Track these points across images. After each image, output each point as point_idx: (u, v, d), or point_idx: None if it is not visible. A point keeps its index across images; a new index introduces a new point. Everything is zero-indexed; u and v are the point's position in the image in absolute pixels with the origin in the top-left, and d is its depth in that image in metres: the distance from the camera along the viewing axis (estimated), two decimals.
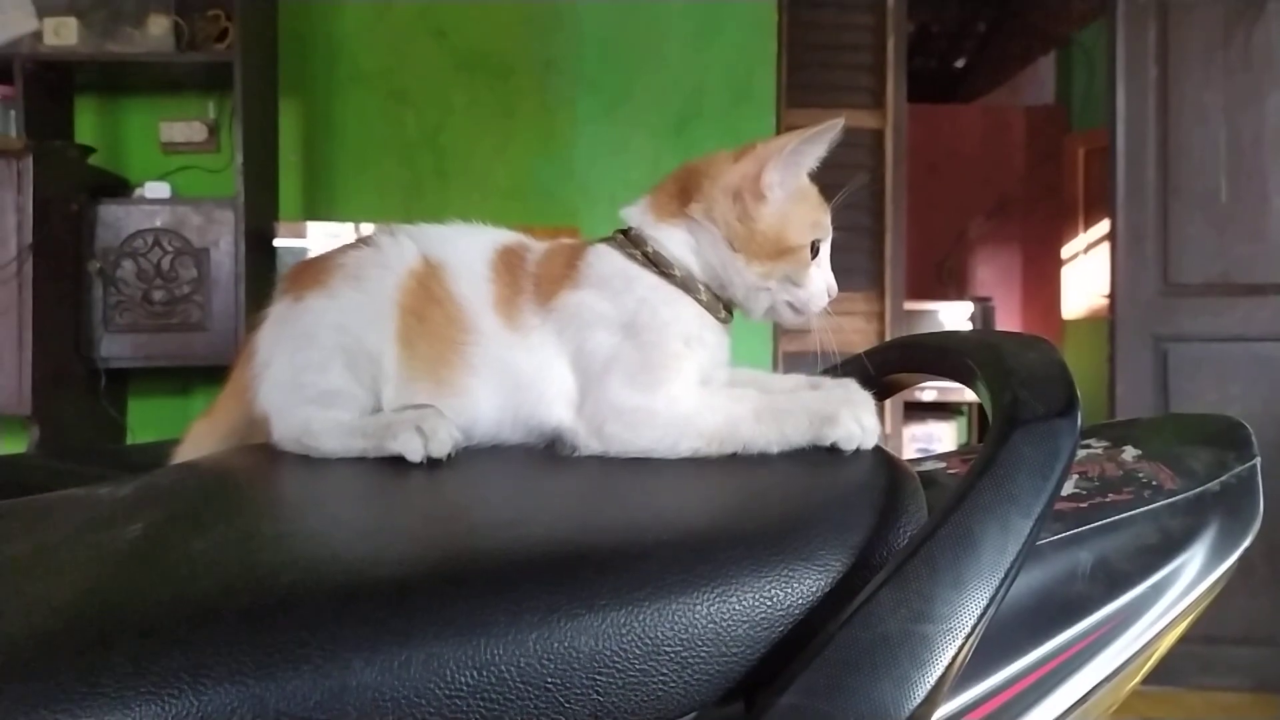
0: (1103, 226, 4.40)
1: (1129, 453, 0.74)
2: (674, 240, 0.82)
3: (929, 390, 4.02)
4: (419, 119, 3.09)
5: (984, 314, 4.38)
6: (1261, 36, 2.81)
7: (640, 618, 0.48)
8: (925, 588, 0.49)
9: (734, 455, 0.73)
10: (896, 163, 3.32)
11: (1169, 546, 0.66)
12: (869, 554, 0.54)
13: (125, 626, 0.45)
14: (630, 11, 3.14)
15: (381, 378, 0.80)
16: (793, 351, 2.99)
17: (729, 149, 0.85)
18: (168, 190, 2.77)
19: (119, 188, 2.84)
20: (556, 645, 0.46)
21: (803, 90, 3.26)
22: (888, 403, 0.94)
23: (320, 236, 2.66)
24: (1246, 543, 0.70)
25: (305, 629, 0.45)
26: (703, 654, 0.49)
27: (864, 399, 0.74)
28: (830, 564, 0.53)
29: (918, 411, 4.20)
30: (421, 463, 0.72)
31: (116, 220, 2.66)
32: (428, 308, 0.81)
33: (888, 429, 3.26)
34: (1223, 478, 0.71)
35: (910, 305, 3.65)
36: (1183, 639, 0.70)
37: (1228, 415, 0.79)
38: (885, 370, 0.84)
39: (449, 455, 0.73)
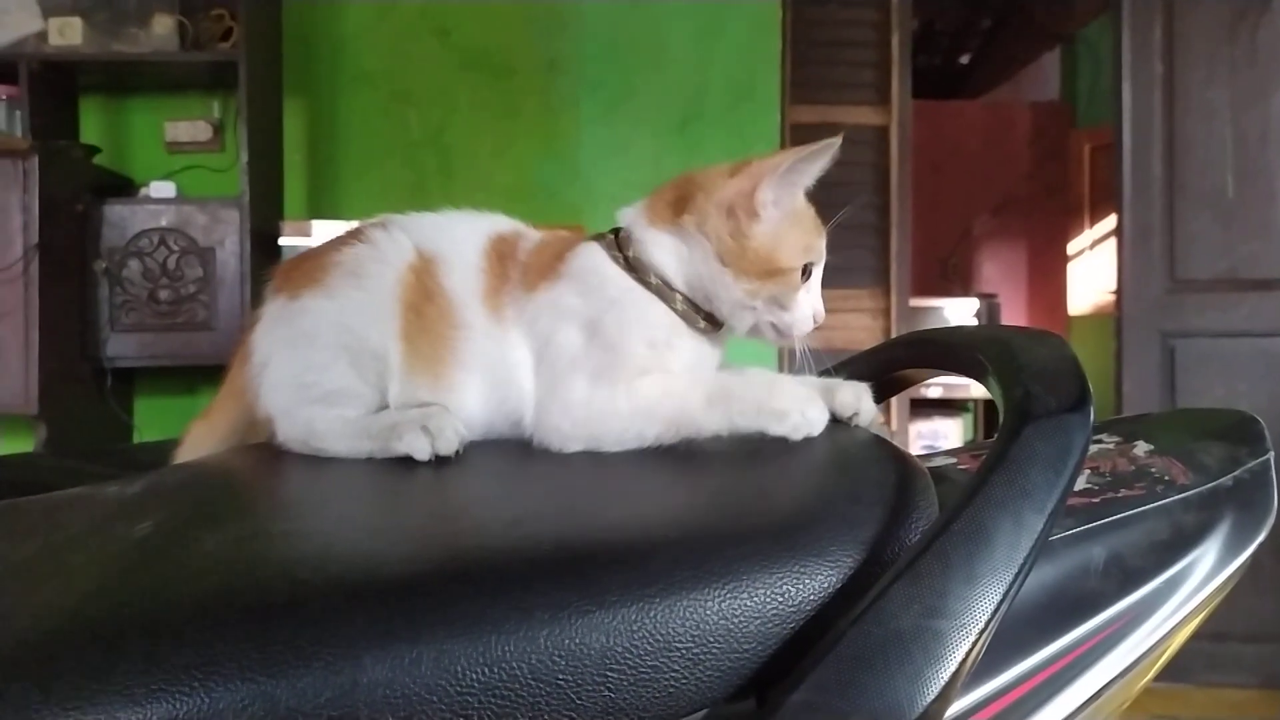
0: (1108, 223, 4.39)
1: (1141, 448, 0.73)
2: (661, 246, 0.81)
3: (935, 387, 4.01)
4: (422, 119, 3.09)
5: (989, 310, 4.38)
6: (1268, 32, 2.80)
7: (651, 614, 0.48)
8: (938, 583, 0.48)
9: (741, 449, 0.73)
10: (901, 160, 3.31)
11: (1182, 542, 0.66)
12: (880, 550, 0.54)
13: (135, 624, 0.45)
14: (633, 11, 3.14)
15: (387, 375, 0.80)
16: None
17: (727, 161, 0.84)
18: (173, 190, 2.77)
19: (124, 187, 2.84)
20: (567, 642, 0.46)
21: (807, 88, 3.26)
22: (894, 399, 0.94)
23: (325, 235, 2.65)
24: (1260, 538, 0.69)
25: (316, 626, 0.44)
26: (714, 650, 0.49)
27: (812, 398, 0.74)
28: (842, 560, 0.52)
29: (923, 408, 4.19)
30: (429, 461, 0.72)
31: (122, 220, 2.67)
32: (424, 303, 0.80)
33: (894, 425, 3.26)
34: (1236, 473, 0.70)
35: (915, 302, 3.65)
36: (1192, 636, 0.70)
37: (1240, 410, 0.79)
38: (894, 366, 0.84)
39: (456, 453, 0.73)
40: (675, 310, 0.81)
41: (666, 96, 3.14)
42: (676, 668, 0.48)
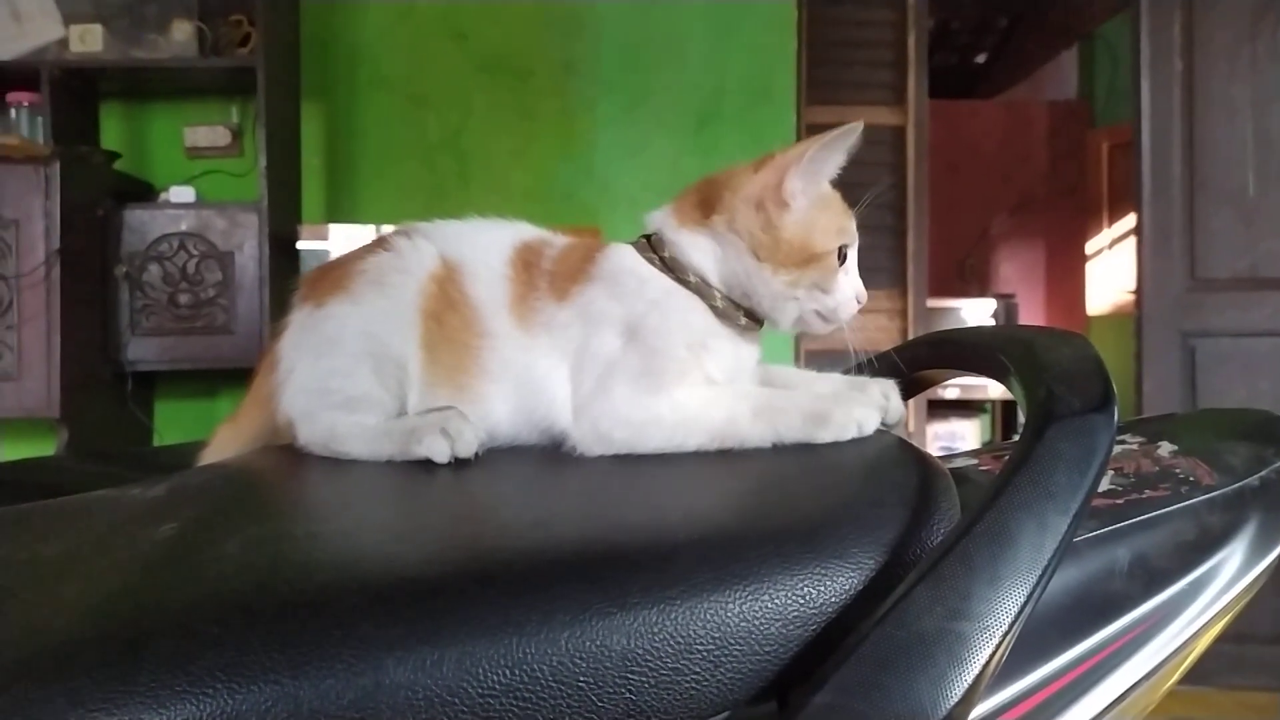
0: (1127, 222, 4.36)
1: (1165, 448, 0.73)
2: (696, 247, 0.82)
3: (952, 388, 3.99)
4: (440, 122, 3.10)
5: (1007, 311, 4.35)
6: None
7: (672, 616, 0.48)
8: (961, 585, 0.48)
9: (761, 451, 0.73)
10: (918, 160, 3.30)
11: (1208, 543, 0.65)
12: (902, 551, 0.53)
13: (160, 625, 0.45)
14: (649, 12, 3.14)
15: (407, 383, 0.81)
16: (815, 349, 2.97)
17: (748, 160, 0.84)
18: (192, 194, 2.79)
19: (144, 192, 2.86)
20: (589, 644, 0.46)
21: (823, 88, 3.25)
22: (911, 401, 0.94)
23: (343, 239, 2.67)
24: None
25: (339, 628, 0.45)
26: (735, 653, 0.49)
27: (856, 397, 0.74)
28: (863, 562, 0.52)
29: (941, 409, 4.17)
30: (448, 463, 0.72)
31: (142, 225, 2.69)
32: (446, 312, 0.81)
33: (911, 427, 3.24)
34: (1262, 473, 0.69)
35: (933, 303, 3.63)
36: (1217, 638, 0.69)
37: (1265, 410, 0.78)
38: (915, 366, 0.84)
39: (476, 455, 0.74)
40: (715, 308, 0.81)
41: (683, 97, 3.14)
42: (698, 670, 0.48)
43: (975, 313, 4.23)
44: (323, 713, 0.42)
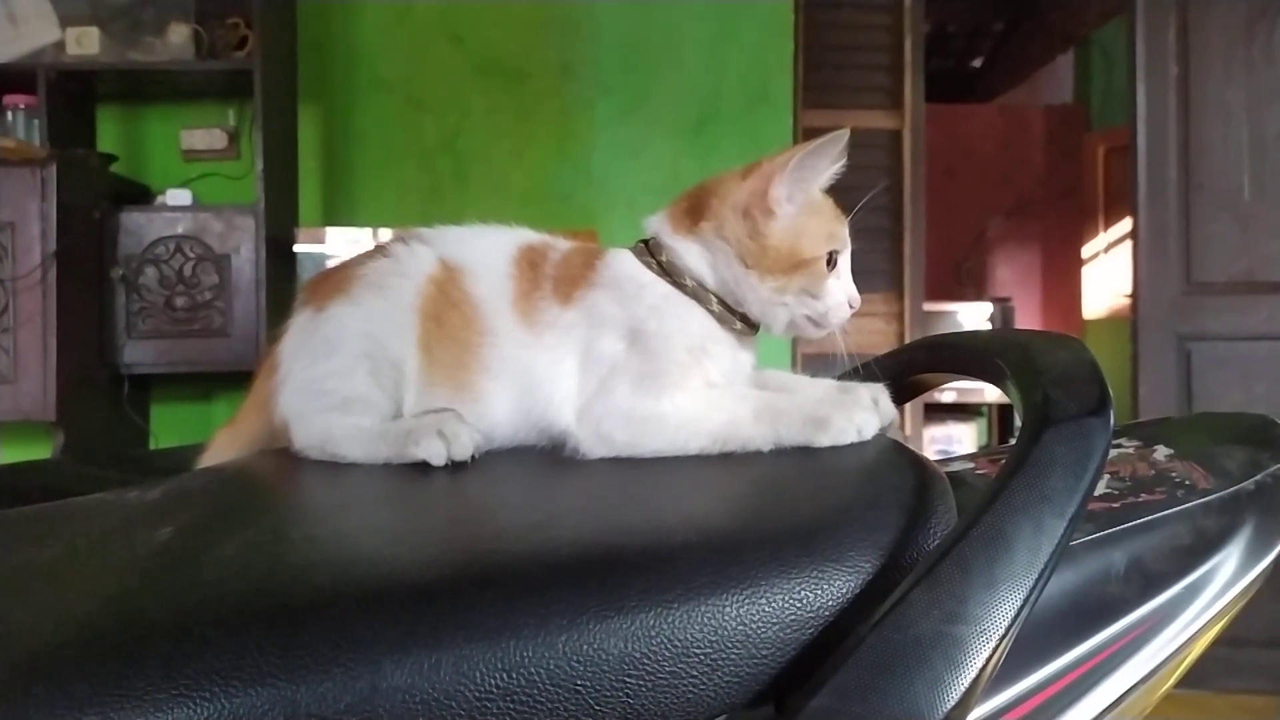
0: (1123, 226, 4.37)
1: (1161, 452, 0.73)
2: (689, 253, 0.82)
3: (948, 391, 3.99)
4: (437, 124, 3.10)
5: (1004, 314, 4.36)
6: None
7: (669, 619, 0.48)
8: (958, 589, 0.48)
9: (758, 455, 0.73)
10: (914, 163, 3.31)
11: (1204, 547, 0.65)
12: (899, 555, 0.53)
13: (157, 628, 0.45)
14: (646, 14, 3.14)
15: (404, 384, 0.81)
16: (811, 353, 2.98)
17: (743, 163, 0.85)
18: (189, 197, 2.79)
19: (141, 195, 2.86)
20: (586, 647, 0.46)
21: (820, 92, 3.26)
22: (908, 405, 0.94)
23: (340, 242, 2.67)
24: None
25: (336, 631, 0.45)
26: (732, 656, 0.49)
27: (857, 401, 0.74)
28: (860, 565, 0.52)
29: (937, 413, 4.18)
30: (445, 466, 0.72)
31: (139, 227, 2.69)
32: (445, 312, 0.81)
33: (908, 430, 3.25)
34: (1257, 477, 0.69)
35: (929, 306, 3.63)
36: (1213, 642, 0.69)
37: (1261, 414, 0.78)
38: (911, 370, 0.84)
39: (471, 458, 0.74)
40: (712, 313, 0.81)
41: (681, 100, 3.14)
42: (695, 673, 0.48)
43: (971, 316, 4.23)
44: (320, 716, 0.42)
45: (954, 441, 4.21)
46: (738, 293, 0.82)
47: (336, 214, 3.05)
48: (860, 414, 0.72)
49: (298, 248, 2.70)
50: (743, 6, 3.15)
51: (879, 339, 3.25)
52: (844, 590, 0.51)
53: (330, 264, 0.91)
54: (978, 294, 4.94)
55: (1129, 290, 2.97)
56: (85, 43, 2.68)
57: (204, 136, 2.97)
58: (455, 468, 0.72)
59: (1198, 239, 2.84)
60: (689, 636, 0.48)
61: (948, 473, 0.64)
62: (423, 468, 0.73)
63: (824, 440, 0.72)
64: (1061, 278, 5.11)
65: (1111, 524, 0.64)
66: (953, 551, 0.49)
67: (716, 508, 0.65)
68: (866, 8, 3.34)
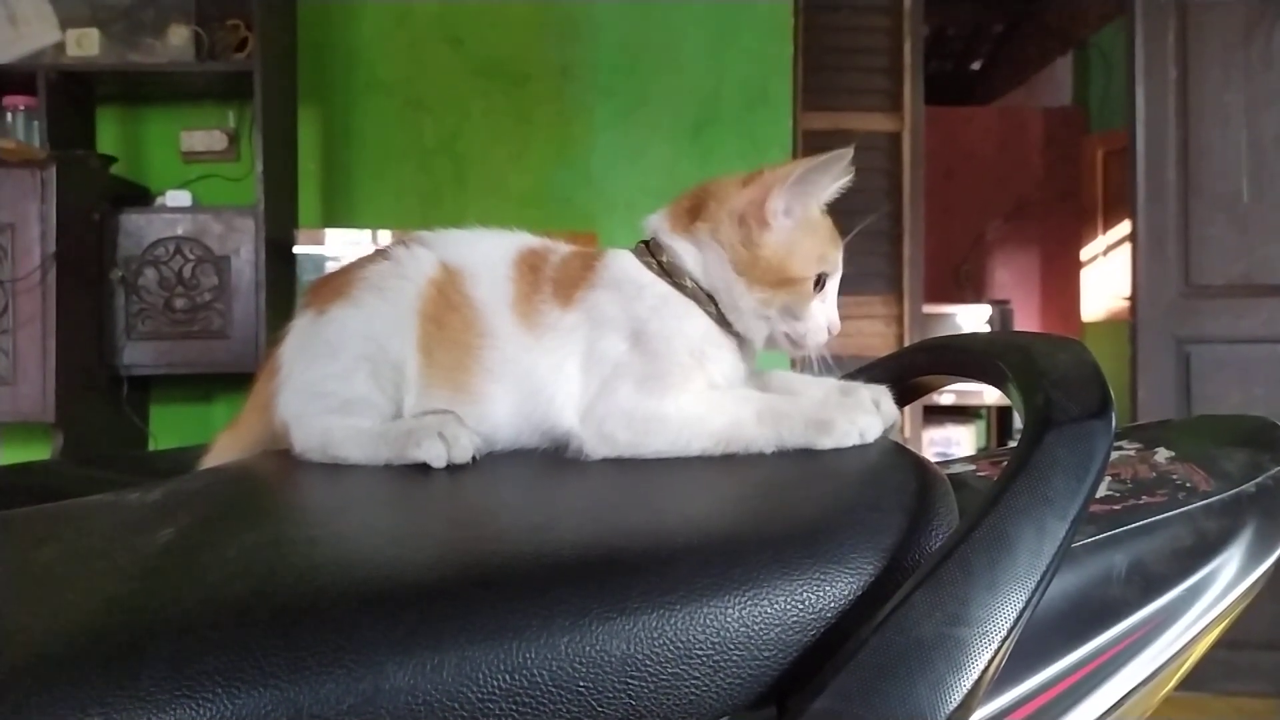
0: (1122, 228, 4.37)
1: (1162, 454, 0.73)
2: (686, 253, 0.82)
3: (947, 394, 4.00)
4: (437, 126, 3.10)
5: (1002, 317, 4.36)
6: None
7: (672, 621, 0.48)
8: (960, 591, 0.48)
9: (760, 457, 0.73)
10: (914, 165, 3.31)
11: (1205, 549, 0.65)
12: (901, 557, 0.53)
13: (159, 629, 0.45)
14: (646, 17, 3.15)
15: (404, 386, 0.81)
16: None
17: (743, 166, 0.84)
18: (188, 199, 2.79)
19: (140, 197, 2.86)
20: (588, 649, 0.46)
21: (819, 94, 3.26)
22: (908, 407, 0.94)
23: (339, 243, 2.67)
24: None
25: (338, 632, 0.45)
26: (734, 658, 0.49)
27: (859, 404, 0.74)
28: (862, 567, 0.52)
29: (936, 415, 4.18)
30: (445, 468, 0.72)
31: (138, 229, 2.68)
32: (446, 314, 0.81)
33: (907, 433, 3.25)
34: (1258, 479, 0.70)
35: (928, 308, 3.64)
36: (1213, 644, 0.69)
37: (1262, 416, 0.78)
38: (913, 372, 0.84)
39: (472, 459, 0.74)
40: (711, 315, 0.81)
41: (680, 102, 3.14)
42: (697, 675, 0.48)
43: (970, 318, 4.24)
44: (322, 717, 0.42)
45: (953, 444, 4.21)
46: (725, 299, 0.81)
47: (336, 216, 3.05)
48: (863, 416, 0.72)
49: (297, 249, 2.70)
50: (742, 9, 3.16)
51: (878, 341, 3.25)
52: (846, 592, 0.51)
53: (330, 266, 0.92)
54: (976, 296, 4.95)
55: (1128, 293, 2.98)
56: (85, 44, 2.68)
57: (204, 138, 2.97)
58: (456, 470, 0.72)
59: (1196, 242, 2.84)
60: (691, 638, 0.48)
61: (948, 475, 0.64)
62: (423, 469, 0.73)
63: (826, 443, 0.72)
64: (1060, 280, 5.11)
65: (1113, 526, 0.64)
66: (955, 553, 0.49)
67: (718, 509, 0.65)
68: (866, 10, 3.34)
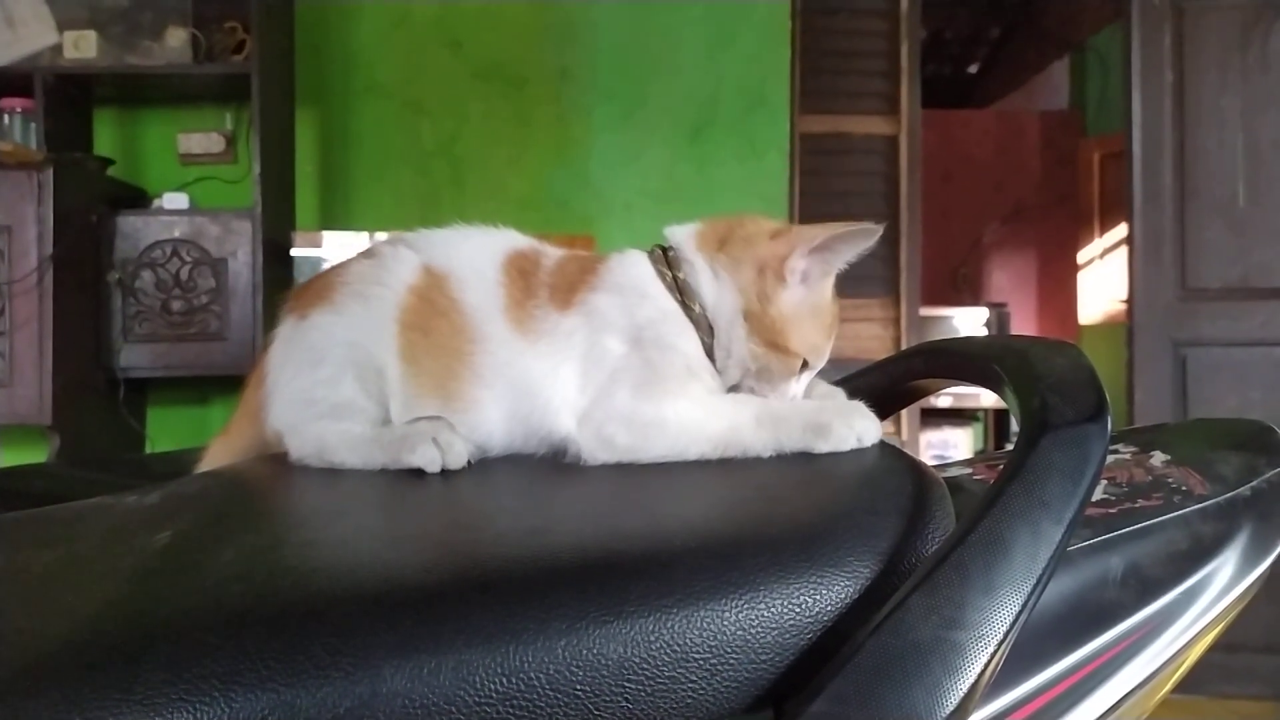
0: (1119, 231, 4.38)
1: (1158, 458, 0.73)
2: (707, 275, 0.82)
3: (945, 396, 4.00)
4: (435, 129, 3.10)
5: (999, 320, 4.36)
6: (1279, 40, 2.79)
7: (669, 625, 0.48)
8: (956, 594, 0.48)
9: (757, 461, 0.73)
10: (911, 169, 3.31)
11: (1200, 552, 0.65)
12: (898, 560, 0.53)
13: (156, 633, 0.45)
14: (644, 20, 3.15)
15: (389, 392, 0.81)
16: None
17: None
18: (186, 201, 2.79)
19: (138, 199, 2.86)
20: (585, 652, 0.46)
21: (817, 97, 3.26)
22: (905, 410, 0.94)
23: (337, 246, 2.67)
24: (1279, 549, 0.69)
25: (335, 636, 0.45)
26: (731, 661, 0.49)
27: (857, 406, 0.75)
28: (859, 570, 0.52)
29: (933, 418, 4.17)
30: (439, 473, 0.72)
31: (135, 231, 2.68)
32: (432, 321, 0.80)
33: (904, 435, 3.25)
34: (1254, 483, 0.70)
35: (925, 311, 3.63)
36: (1209, 647, 0.69)
37: (1258, 420, 0.78)
38: (910, 376, 0.84)
39: (469, 463, 0.74)
40: (705, 344, 0.80)
41: (678, 105, 3.14)
42: (694, 679, 0.48)
43: (968, 321, 4.24)
44: None
45: (950, 447, 4.21)
46: (722, 335, 0.81)
47: (333, 218, 3.05)
48: (861, 421, 0.73)
49: (295, 252, 2.70)
50: (740, 11, 3.16)
51: (875, 344, 3.25)
52: (843, 595, 0.51)
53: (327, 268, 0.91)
54: (974, 299, 4.95)
55: (1124, 296, 2.98)
56: (83, 46, 2.68)
57: (201, 140, 2.97)
58: (452, 474, 0.72)
59: (1193, 245, 2.85)
60: (688, 641, 0.48)
61: (945, 478, 0.64)
62: (421, 473, 0.73)
63: (824, 447, 0.72)
64: (1057, 283, 5.12)
65: (1108, 529, 0.64)
66: (951, 557, 0.50)
67: (715, 513, 0.65)
68: (863, 13, 3.35)
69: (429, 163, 3.10)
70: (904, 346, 3.21)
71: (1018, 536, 0.50)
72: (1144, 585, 0.63)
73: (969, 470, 0.75)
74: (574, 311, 0.79)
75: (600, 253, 0.88)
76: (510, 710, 0.45)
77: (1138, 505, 0.66)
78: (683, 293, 0.81)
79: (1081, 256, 4.99)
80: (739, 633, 0.49)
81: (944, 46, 5.89)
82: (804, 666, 0.50)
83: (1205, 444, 0.76)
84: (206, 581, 0.50)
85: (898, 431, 3.23)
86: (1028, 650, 0.57)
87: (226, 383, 2.77)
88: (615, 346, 0.78)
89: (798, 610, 0.50)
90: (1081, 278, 5.01)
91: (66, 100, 2.76)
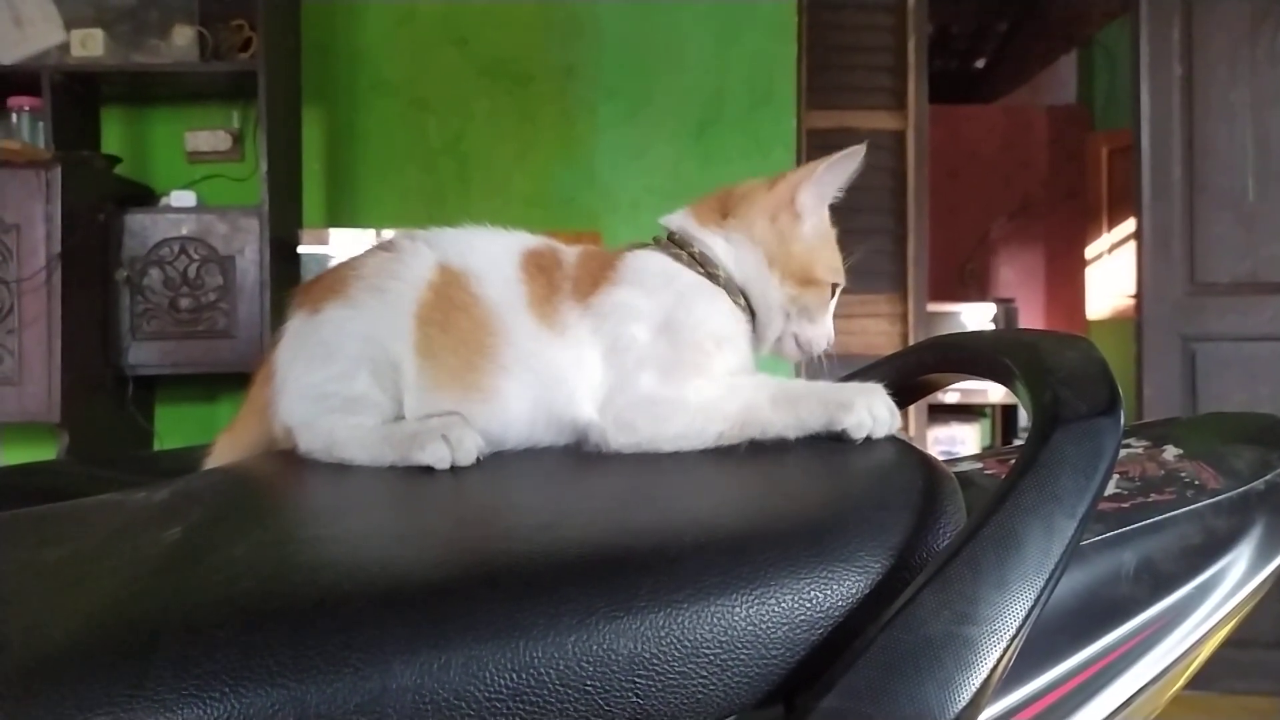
0: (1127, 226, 4.36)
1: (1170, 452, 0.73)
2: (718, 245, 0.86)
3: (952, 392, 3.99)
4: (441, 126, 3.10)
5: (1007, 315, 4.35)
6: None
7: (679, 620, 0.48)
8: (969, 589, 0.48)
9: (767, 456, 0.73)
10: (918, 164, 3.30)
11: (1214, 547, 0.65)
12: (909, 555, 0.53)
13: (167, 629, 0.45)
14: (650, 16, 3.14)
15: (403, 386, 0.81)
16: None
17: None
18: (193, 199, 2.79)
19: (145, 197, 2.86)
20: (595, 647, 0.46)
21: (823, 93, 3.25)
22: (912, 406, 0.95)
23: (344, 243, 2.67)
24: None
25: (345, 632, 0.45)
26: (742, 656, 0.49)
27: (877, 390, 0.75)
28: (870, 565, 0.52)
29: (941, 413, 4.17)
30: (448, 470, 0.72)
31: (143, 229, 2.69)
32: (451, 315, 0.81)
33: (912, 431, 3.24)
34: (1267, 477, 0.69)
35: (933, 307, 3.63)
36: (1222, 643, 0.69)
37: (1270, 414, 0.78)
38: (920, 371, 0.84)
39: (476, 461, 0.74)
40: (738, 304, 0.85)
41: (684, 101, 3.14)
42: (704, 674, 0.48)
43: (975, 317, 4.23)
44: (329, 716, 0.42)
45: (958, 442, 4.21)
46: (753, 292, 0.86)
47: (340, 215, 3.05)
48: (880, 405, 0.73)
49: (302, 249, 2.71)
50: (746, 8, 3.15)
51: (883, 340, 3.25)
52: (853, 590, 0.51)
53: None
54: (981, 295, 4.94)
55: (1133, 291, 2.97)
56: (90, 45, 2.68)
57: (208, 138, 2.97)
58: (462, 469, 0.72)
59: (1202, 240, 2.84)
60: (698, 636, 0.48)
61: (956, 473, 0.64)
62: (430, 469, 0.72)
63: (847, 420, 0.72)
64: (1065, 278, 5.10)
65: (1121, 524, 0.63)
66: (963, 552, 0.49)
67: (725, 508, 0.65)
68: (870, 9, 3.34)
69: (435, 160, 3.10)
70: (911, 342, 3.20)
71: (1030, 531, 0.50)
72: (1157, 580, 0.63)
73: (980, 465, 0.75)
74: (597, 303, 0.81)
75: (615, 249, 0.89)
76: (520, 705, 0.45)
77: (1150, 500, 0.66)
78: (702, 264, 0.85)
79: (1089, 252, 4.98)
80: (749, 628, 0.49)
81: (951, 41, 5.87)
82: (815, 662, 0.50)
83: (1218, 438, 0.76)
84: (216, 577, 0.50)
85: (905, 427, 3.22)
86: (1040, 645, 0.57)
87: (234, 380, 2.77)
88: (641, 334, 0.79)
89: (808, 605, 0.50)
90: (1089, 273, 4.99)
91: (74, 99, 2.76)
